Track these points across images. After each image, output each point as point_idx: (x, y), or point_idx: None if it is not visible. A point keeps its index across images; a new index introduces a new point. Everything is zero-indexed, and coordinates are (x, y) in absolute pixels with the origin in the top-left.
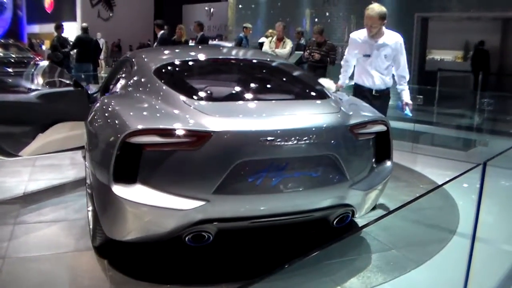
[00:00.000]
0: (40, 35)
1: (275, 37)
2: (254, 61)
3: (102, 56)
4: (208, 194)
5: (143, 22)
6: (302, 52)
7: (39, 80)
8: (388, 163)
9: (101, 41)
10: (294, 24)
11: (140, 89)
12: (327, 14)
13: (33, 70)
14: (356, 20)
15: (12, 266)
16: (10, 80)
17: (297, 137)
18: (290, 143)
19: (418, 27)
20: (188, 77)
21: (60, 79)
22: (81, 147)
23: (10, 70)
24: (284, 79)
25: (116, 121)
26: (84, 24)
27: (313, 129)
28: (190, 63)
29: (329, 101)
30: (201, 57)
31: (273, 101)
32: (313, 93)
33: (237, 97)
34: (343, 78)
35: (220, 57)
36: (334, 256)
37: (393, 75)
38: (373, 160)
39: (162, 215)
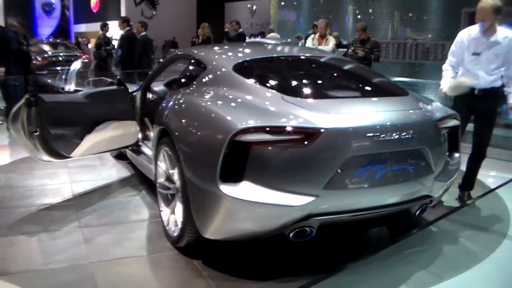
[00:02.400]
0: (86, 34)
1: (317, 34)
2: (328, 59)
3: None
4: (318, 190)
5: (186, 20)
6: (345, 50)
7: (86, 79)
8: (457, 155)
9: None
10: (336, 21)
11: (223, 86)
12: (370, 10)
13: (80, 69)
14: (400, 16)
15: (102, 271)
16: (59, 80)
17: (397, 132)
18: (390, 138)
19: (465, 22)
20: (274, 74)
21: (105, 77)
22: (126, 147)
23: (58, 68)
24: (365, 76)
25: (219, 120)
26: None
27: (410, 124)
28: (268, 60)
29: (412, 97)
30: (276, 54)
31: (368, 98)
32: (396, 90)
33: (333, 94)
34: (445, 83)
35: (295, 55)
36: (413, 245)
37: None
38: (447, 153)
39: (272, 212)
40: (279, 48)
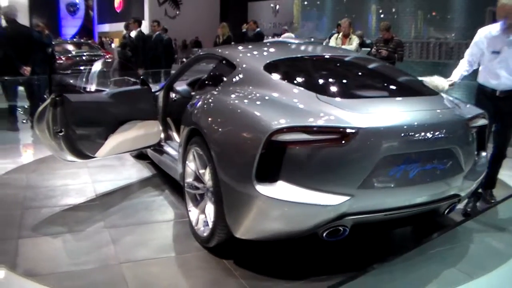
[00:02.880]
0: (110, 34)
1: (341, 34)
2: (356, 58)
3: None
4: (353, 189)
5: (209, 20)
6: (369, 49)
7: (110, 79)
8: (484, 154)
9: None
10: (360, 20)
11: (255, 86)
12: (394, 10)
13: (102, 69)
14: (423, 15)
15: (132, 271)
16: (81, 80)
17: (429, 132)
18: (423, 137)
19: (489, 21)
20: (305, 74)
21: (128, 77)
22: (149, 147)
23: (82, 68)
24: (394, 76)
25: (255, 120)
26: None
27: (442, 123)
28: (297, 60)
29: (441, 96)
30: (305, 54)
31: (401, 98)
32: (425, 90)
33: (366, 94)
34: (456, 74)
35: (324, 54)
36: (439, 245)
37: None
38: (475, 152)
39: (307, 211)
40: (306, 48)
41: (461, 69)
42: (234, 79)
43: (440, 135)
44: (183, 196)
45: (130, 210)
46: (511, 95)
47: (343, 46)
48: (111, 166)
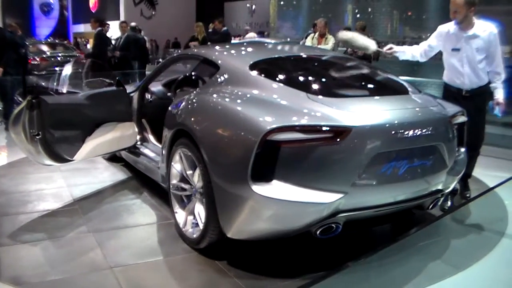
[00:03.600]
0: (85, 34)
1: (317, 33)
2: (337, 58)
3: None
4: (347, 187)
5: (185, 20)
6: (345, 49)
7: (84, 79)
8: (463, 150)
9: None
10: (336, 20)
11: (242, 86)
12: (369, 9)
13: (79, 69)
14: (399, 15)
15: (126, 275)
16: (57, 81)
17: (418, 129)
18: (412, 134)
19: None
20: (292, 73)
21: (104, 78)
22: (125, 149)
23: (57, 69)
24: (378, 75)
25: (249, 120)
26: (133, 23)
27: (428, 121)
28: (282, 60)
29: (425, 95)
30: (288, 54)
31: (387, 96)
32: (409, 88)
33: (353, 93)
34: (403, 48)
35: (306, 54)
36: (420, 239)
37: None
38: (456, 148)
39: (302, 210)
40: (287, 48)
41: (411, 48)
42: (218, 79)
43: (426, 132)
44: (164, 198)
45: (112, 213)
46: (477, 93)
47: (319, 46)
48: (85, 170)
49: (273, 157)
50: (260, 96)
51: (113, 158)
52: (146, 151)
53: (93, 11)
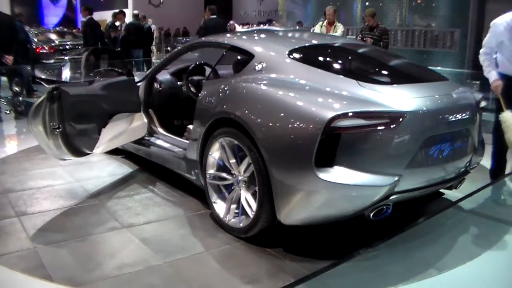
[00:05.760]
0: None
1: (325, 21)
2: (367, 47)
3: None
4: (401, 169)
5: (194, 8)
6: (354, 37)
7: (98, 69)
8: (481, 134)
9: (153, 27)
10: (345, 8)
11: (287, 74)
12: None
13: (89, 58)
14: (408, 3)
15: (182, 269)
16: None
17: (459, 113)
18: (453, 118)
19: (474, 9)
20: (334, 61)
21: (115, 68)
22: (138, 139)
23: (66, 58)
24: (410, 63)
25: (309, 107)
26: (135, 12)
27: (465, 106)
28: (317, 48)
29: (453, 81)
30: (320, 42)
31: (427, 83)
32: (440, 76)
33: (398, 80)
34: (494, 72)
35: (338, 42)
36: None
37: None
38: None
39: (363, 193)
40: (314, 36)
41: (492, 65)
42: (255, 67)
43: (465, 116)
44: (185, 189)
45: (138, 207)
46: None
47: (328, 34)
48: (86, 163)
49: (334, 143)
50: (311, 83)
51: (113, 150)
52: (159, 142)
53: (101, 0)
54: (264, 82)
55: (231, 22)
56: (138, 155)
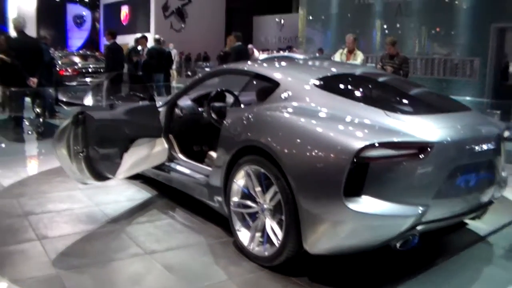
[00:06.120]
0: None
1: (346, 49)
2: (390, 76)
3: (174, 66)
4: (428, 199)
5: (215, 33)
6: (373, 65)
7: (120, 93)
8: (503, 164)
9: (173, 52)
10: (364, 36)
11: (312, 102)
12: (398, 25)
13: (112, 82)
14: (427, 31)
15: None
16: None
17: (484, 144)
18: (479, 149)
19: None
20: (360, 90)
21: (138, 92)
22: (161, 164)
23: (88, 80)
24: (434, 93)
25: (337, 137)
26: (157, 36)
27: (491, 136)
28: (342, 77)
29: (477, 112)
30: (345, 71)
31: (452, 113)
32: (463, 106)
33: (423, 110)
34: None
35: (363, 71)
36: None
37: None
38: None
39: (390, 223)
40: (337, 65)
41: None
42: (281, 96)
43: (490, 147)
44: (206, 216)
45: (160, 234)
46: None
47: (348, 62)
48: (104, 187)
49: (362, 173)
50: (339, 113)
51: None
52: (179, 167)
53: (124, 24)
54: (291, 110)
55: (250, 46)
56: (157, 180)
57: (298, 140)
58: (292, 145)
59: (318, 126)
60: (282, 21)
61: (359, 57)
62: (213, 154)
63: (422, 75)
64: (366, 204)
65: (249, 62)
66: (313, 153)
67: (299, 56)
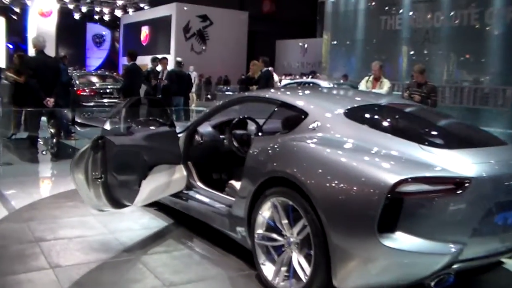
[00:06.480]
0: None
1: (371, 77)
2: (421, 107)
3: (193, 89)
4: (465, 237)
5: (236, 56)
6: (400, 93)
7: (139, 117)
8: None
9: (193, 74)
10: (390, 62)
11: (342, 134)
12: (425, 52)
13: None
14: (456, 58)
15: None
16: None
17: None
18: None
19: None
20: (392, 122)
21: (157, 117)
22: (179, 192)
23: (105, 101)
24: (466, 126)
25: (370, 171)
26: (179, 59)
27: None
28: (373, 108)
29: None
30: (375, 101)
31: (488, 147)
32: (498, 139)
33: (459, 144)
34: None
35: (392, 102)
36: None
37: None
38: None
39: (425, 261)
40: (367, 94)
41: None
42: (310, 126)
43: None
44: (225, 247)
45: (178, 265)
46: None
47: (374, 90)
48: (119, 214)
49: (397, 208)
50: (371, 145)
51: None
52: (198, 196)
53: (144, 44)
54: (322, 142)
55: (270, 69)
56: (173, 208)
57: (330, 173)
58: (323, 178)
59: (350, 159)
60: (306, 46)
61: (386, 85)
62: (234, 183)
63: (450, 104)
64: (401, 240)
65: (277, 90)
66: (346, 187)
67: (323, 83)
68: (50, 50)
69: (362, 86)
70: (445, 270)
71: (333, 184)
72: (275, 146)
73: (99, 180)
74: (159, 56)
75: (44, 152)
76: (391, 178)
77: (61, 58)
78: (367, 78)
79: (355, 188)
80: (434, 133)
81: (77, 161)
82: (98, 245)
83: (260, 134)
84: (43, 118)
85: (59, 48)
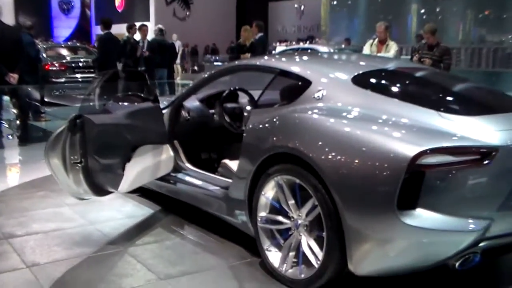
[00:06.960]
0: None
1: (376, 40)
2: (435, 72)
3: (178, 60)
4: (492, 212)
5: (224, 22)
6: (408, 57)
7: (119, 93)
8: None
9: (177, 44)
10: (397, 23)
11: (351, 103)
12: (438, 9)
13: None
14: (473, 16)
15: None
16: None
17: None
18: None
19: None
20: (406, 89)
21: (137, 92)
22: (166, 175)
23: (78, 76)
24: (486, 90)
25: (388, 143)
26: (160, 26)
27: None
28: (383, 73)
29: None
30: (384, 66)
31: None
32: None
33: (480, 110)
34: None
35: (404, 67)
36: None
37: None
38: None
39: (447, 239)
40: (374, 58)
41: None
42: (314, 96)
43: None
44: (222, 233)
45: (173, 256)
46: None
47: (380, 54)
48: (95, 203)
49: (417, 183)
50: (386, 115)
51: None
52: (188, 178)
53: (119, 10)
54: (330, 112)
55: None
56: (160, 193)
57: (342, 147)
58: (334, 153)
59: (364, 131)
60: (302, 7)
61: (393, 48)
62: (228, 162)
63: (466, 68)
64: (422, 217)
65: (275, 57)
66: (360, 162)
67: (323, 48)
68: (9, 19)
69: (366, 50)
70: (470, 249)
71: (346, 160)
72: (277, 119)
73: (78, 164)
74: (138, 24)
75: (10, 136)
76: (411, 150)
77: (27, 28)
78: (371, 41)
79: (370, 163)
80: (453, 99)
81: (52, 144)
82: (78, 238)
83: (256, 107)
84: (6, 98)
85: (19, 16)
